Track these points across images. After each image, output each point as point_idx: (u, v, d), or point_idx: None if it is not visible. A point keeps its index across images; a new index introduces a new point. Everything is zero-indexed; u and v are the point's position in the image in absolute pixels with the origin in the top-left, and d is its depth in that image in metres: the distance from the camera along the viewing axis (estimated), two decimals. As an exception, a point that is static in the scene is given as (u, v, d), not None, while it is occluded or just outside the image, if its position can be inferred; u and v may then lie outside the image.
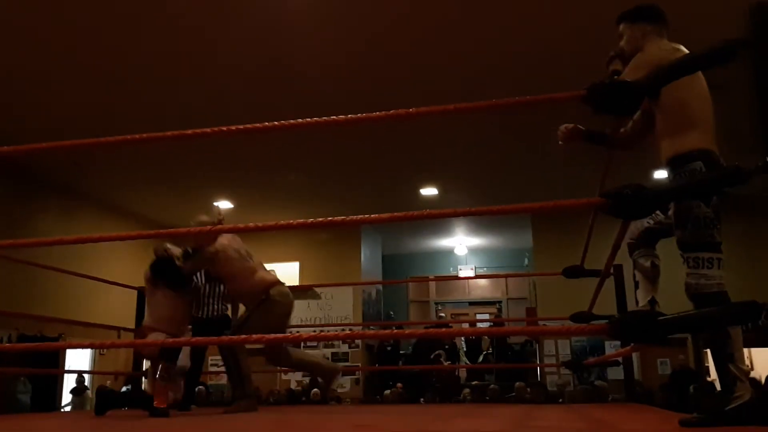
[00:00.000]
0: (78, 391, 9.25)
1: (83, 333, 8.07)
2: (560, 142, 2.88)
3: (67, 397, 9.16)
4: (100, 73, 6.26)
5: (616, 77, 2.41)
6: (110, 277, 7.16)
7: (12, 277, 6.32)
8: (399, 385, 10.14)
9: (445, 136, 7.76)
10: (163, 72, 6.29)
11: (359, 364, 11.04)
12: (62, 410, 8.63)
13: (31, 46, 5.76)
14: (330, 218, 2.53)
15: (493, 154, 8.50)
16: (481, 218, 11.55)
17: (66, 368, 9.01)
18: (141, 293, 6.30)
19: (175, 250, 4.51)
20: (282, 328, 4.41)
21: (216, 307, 5.35)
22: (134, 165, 8.52)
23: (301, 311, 11.17)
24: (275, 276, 4.57)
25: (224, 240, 4.39)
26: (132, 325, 6.32)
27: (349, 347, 11.23)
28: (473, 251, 14.05)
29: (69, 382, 9.29)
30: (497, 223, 12.00)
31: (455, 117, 6.69)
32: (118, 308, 7.80)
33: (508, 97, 2.56)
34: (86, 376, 9.30)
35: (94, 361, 9.71)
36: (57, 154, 7.70)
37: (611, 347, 9.57)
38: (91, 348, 9.56)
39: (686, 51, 2.39)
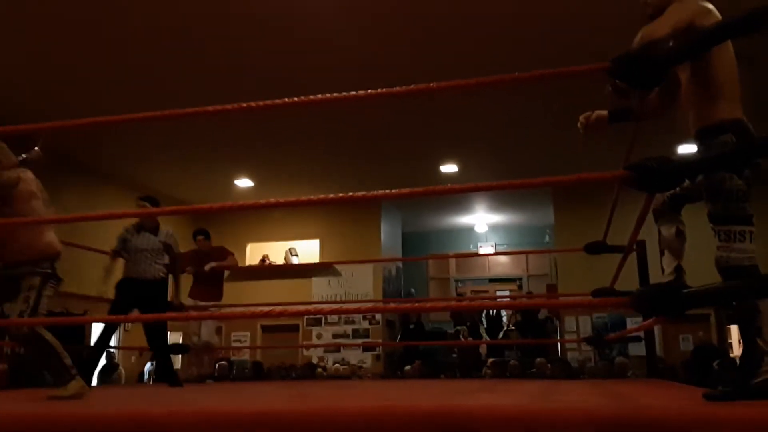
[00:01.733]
0: (108, 367, 9.43)
1: (107, 309, 8.21)
2: (581, 132, 2.82)
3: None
4: (120, 51, 6.28)
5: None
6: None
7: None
8: (417, 362, 10.20)
9: (466, 111, 7.69)
10: (183, 50, 6.29)
11: (380, 340, 11.13)
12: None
13: (52, 25, 5.79)
14: (350, 194, 2.53)
15: (513, 130, 8.42)
16: (501, 195, 11.49)
17: (91, 344, 9.18)
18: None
19: None
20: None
21: (157, 266, 5.18)
22: (154, 143, 8.58)
23: (321, 288, 11.27)
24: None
25: (30, 175, 3.47)
26: (156, 301, 6.40)
27: (370, 323, 11.31)
28: (493, 228, 14.00)
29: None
30: (518, 199, 11.93)
31: (475, 92, 6.62)
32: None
33: (529, 71, 2.52)
34: (116, 353, 9.50)
35: (120, 337, 9.88)
36: (79, 133, 7.77)
37: (633, 325, 9.52)
38: (117, 322, 9.71)
39: (716, 12, 2.31)
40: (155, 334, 5.17)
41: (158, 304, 5.06)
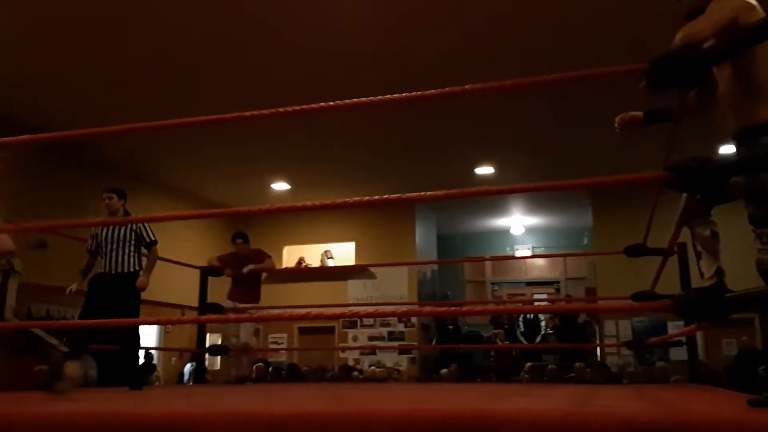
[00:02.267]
0: (146, 367, 9.62)
1: (149, 311, 8.37)
2: (617, 130, 2.79)
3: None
4: (162, 59, 6.41)
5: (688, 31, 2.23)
6: (173, 257, 7.37)
7: (80, 257, 6.67)
8: (453, 365, 10.16)
9: (502, 113, 7.65)
10: (220, 57, 6.38)
11: (415, 343, 11.12)
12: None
13: (97, 30, 5.94)
14: (385, 196, 2.54)
15: (550, 131, 8.34)
16: (538, 197, 11.38)
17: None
18: (204, 273, 6.50)
19: None
20: None
21: (128, 258, 4.80)
22: (193, 147, 8.72)
23: (357, 291, 11.31)
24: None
25: None
26: (195, 304, 6.51)
27: (405, 326, 11.31)
28: (530, 230, 13.88)
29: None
30: (555, 201, 11.80)
31: (511, 93, 6.58)
32: (181, 287, 8.05)
33: (564, 71, 2.50)
34: (154, 354, 9.68)
35: (161, 338, 10.06)
36: (120, 138, 7.96)
37: (674, 328, 9.33)
38: (157, 324, 9.89)
39: (760, 8, 2.25)
40: (126, 328, 4.80)
41: (129, 298, 4.74)
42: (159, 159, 9.36)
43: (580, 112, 7.55)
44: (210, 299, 6.44)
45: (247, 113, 2.71)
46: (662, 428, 1.44)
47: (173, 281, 8.89)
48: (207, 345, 6.76)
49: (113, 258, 4.79)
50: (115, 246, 4.80)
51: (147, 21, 5.75)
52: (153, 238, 4.98)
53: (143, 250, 4.99)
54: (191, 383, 9.18)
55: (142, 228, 4.92)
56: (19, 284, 3.46)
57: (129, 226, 4.86)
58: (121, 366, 4.85)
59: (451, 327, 11.24)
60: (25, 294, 5.78)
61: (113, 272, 4.76)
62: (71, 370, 3.07)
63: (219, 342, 7.91)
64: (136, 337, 4.95)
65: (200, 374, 7.19)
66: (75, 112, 7.42)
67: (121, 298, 4.69)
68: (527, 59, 6.18)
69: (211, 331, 8.10)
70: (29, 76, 6.77)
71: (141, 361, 9.47)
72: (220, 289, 6.55)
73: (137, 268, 4.86)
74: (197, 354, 7.10)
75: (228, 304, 6.26)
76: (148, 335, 9.91)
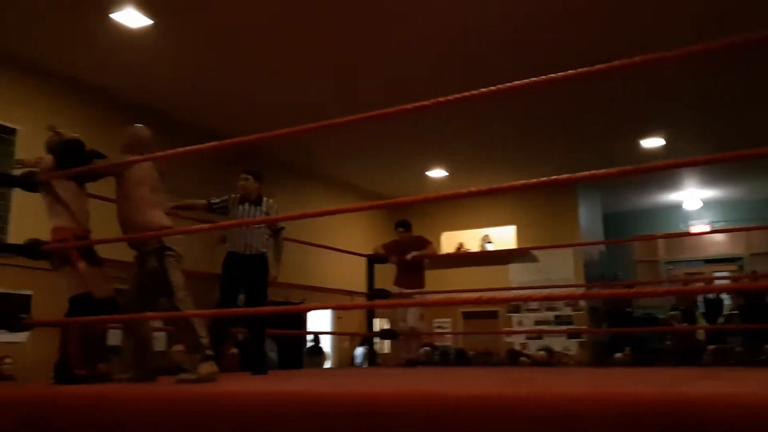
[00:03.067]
0: (314, 350, 10.14)
1: (321, 298, 8.88)
2: None
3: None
4: (325, 62, 6.75)
5: None
6: (340, 246, 7.75)
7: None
8: (627, 349, 9.71)
9: (670, 81, 7.14)
10: (373, 53, 6.59)
11: (585, 327, 10.77)
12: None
13: (266, 35, 6.37)
14: (544, 178, 2.49)
15: (725, 97, 7.66)
16: (715, 167, 10.51)
17: (308, 331, 10.01)
18: (370, 260, 6.76)
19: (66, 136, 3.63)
20: None
21: (260, 239, 4.69)
22: (355, 141, 9.07)
23: (519, 274, 11.16)
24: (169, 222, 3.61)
25: (146, 164, 3.55)
26: (363, 290, 6.81)
27: (573, 309, 10.99)
28: (707, 204, 12.86)
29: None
30: (735, 171, 10.83)
31: (680, 61, 6.13)
32: (350, 274, 8.42)
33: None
34: (320, 338, 10.21)
35: (333, 323, 10.61)
36: (290, 138, 8.46)
37: None
38: (328, 309, 10.41)
39: None
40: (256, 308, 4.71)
41: (262, 280, 4.68)
42: (322, 155, 9.83)
43: (758, 74, 6.85)
44: (377, 285, 6.68)
45: (409, 105, 2.76)
46: None
47: (342, 269, 9.33)
48: (375, 329, 7.02)
49: (246, 237, 4.66)
50: (250, 226, 4.68)
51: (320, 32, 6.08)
52: (282, 224, 4.88)
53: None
54: (364, 366, 9.58)
55: (275, 210, 4.87)
56: (178, 262, 3.46)
57: (262, 207, 4.79)
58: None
59: (624, 309, 10.74)
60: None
61: (247, 252, 4.66)
62: (204, 371, 3.16)
63: (387, 326, 8.18)
64: (266, 322, 4.93)
65: (372, 357, 7.49)
66: (241, 117, 8.00)
67: (256, 278, 4.66)
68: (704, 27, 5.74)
69: (379, 316, 8.40)
70: (211, 88, 7.48)
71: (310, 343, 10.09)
72: (385, 276, 6.78)
73: (266, 249, 4.77)
74: (368, 338, 7.40)
75: (395, 289, 6.46)
76: (321, 320, 10.47)
